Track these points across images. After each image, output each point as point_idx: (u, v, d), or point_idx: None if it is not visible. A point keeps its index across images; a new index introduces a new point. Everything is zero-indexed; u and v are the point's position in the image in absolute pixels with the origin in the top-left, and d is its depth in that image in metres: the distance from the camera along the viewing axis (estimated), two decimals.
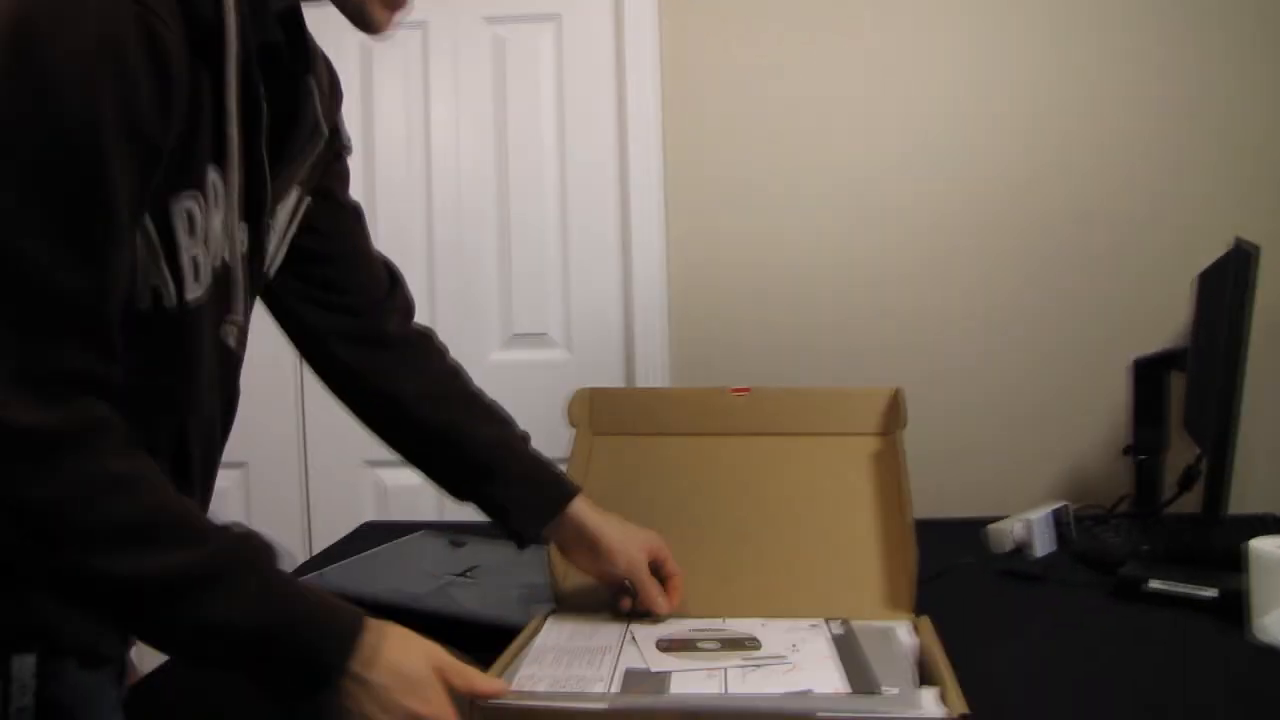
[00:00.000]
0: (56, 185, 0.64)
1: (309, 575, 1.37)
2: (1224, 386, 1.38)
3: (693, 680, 0.88)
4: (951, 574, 1.46)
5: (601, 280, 2.14)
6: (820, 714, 0.80)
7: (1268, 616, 1.12)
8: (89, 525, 0.66)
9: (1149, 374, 1.78)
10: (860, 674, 0.89)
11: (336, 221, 1.03)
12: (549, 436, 2.11)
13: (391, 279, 1.09)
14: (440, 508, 2.14)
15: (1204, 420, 1.48)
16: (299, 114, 0.88)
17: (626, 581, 1.05)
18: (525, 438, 1.11)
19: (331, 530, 2.13)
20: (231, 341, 0.84)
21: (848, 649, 0.95)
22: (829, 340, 2.03)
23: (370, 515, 2.16)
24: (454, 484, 1.09)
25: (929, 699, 0.84)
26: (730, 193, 2.08)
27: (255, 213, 0.83)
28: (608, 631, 1.03)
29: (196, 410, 0.82)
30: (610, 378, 2.10)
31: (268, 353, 2.18)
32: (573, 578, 1.14)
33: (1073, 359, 1.99)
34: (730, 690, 0.86)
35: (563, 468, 1.15)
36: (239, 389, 0.92)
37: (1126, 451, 1.80)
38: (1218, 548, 1.41)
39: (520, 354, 2.16)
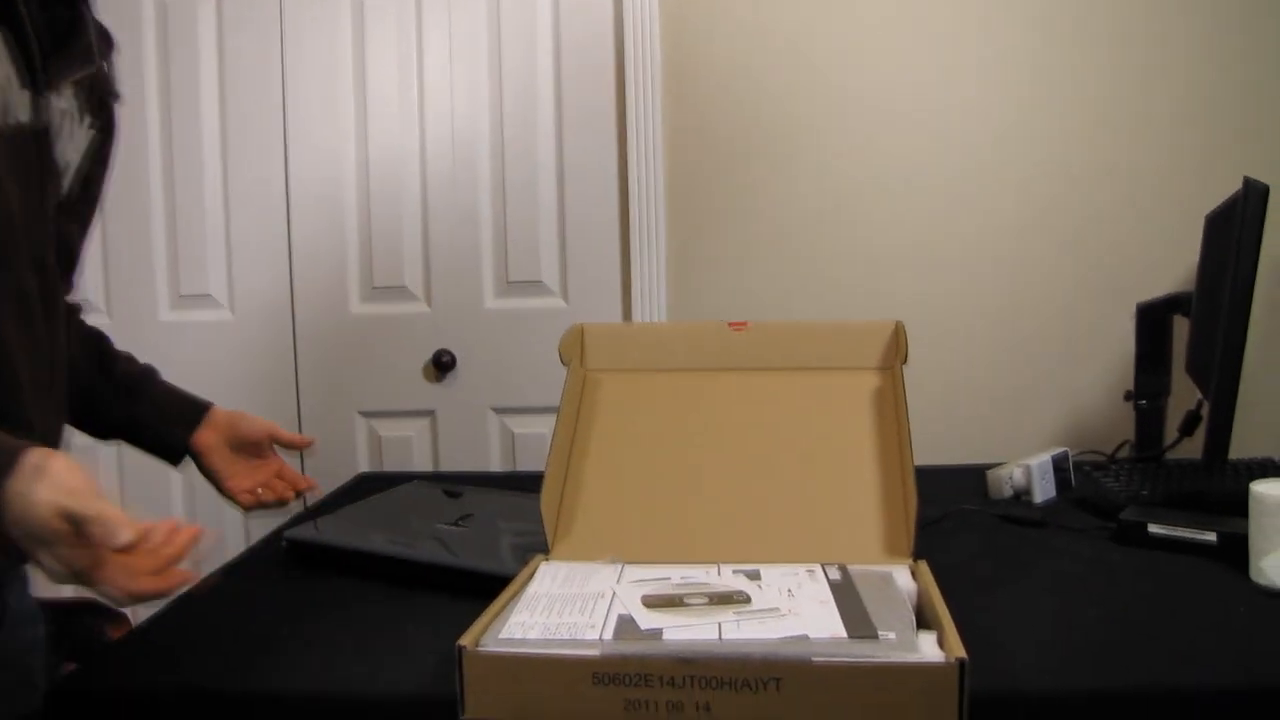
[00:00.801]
0: None
1: (302, 525, 1.35)
2: (1231, 328, 1.35)
3: (687, 633, 0.86)
4: (951, 519, 1.45)
5: (598, 227, 2.10)
6: (816, 658, 0.79)
7: (1267, 559, 1.11)
8: None
9: (1153, 319, 1.76)
10: (858, 620, 0.87)
11: (87, 217, 1.08)
12: (544, 386, 2.10)
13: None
14: (435, 459, 2.13)
15: (1208, 364, 1.46)
16: (73, 30, 0.95)
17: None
18: (153, 371, 1.23)
19: (325, 483, 2.11)
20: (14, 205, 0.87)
21: (845, 595, 0.94)
22: (830, 278, 2.00)
23: (364, 467, 2.15)
24: (101, 418, 1.17)
25: (927, 643, 0.83)
26: (731, 133, 2.04)
27: (31, 80, 0.87)
28: (600, 580, 1.01)
29: (7, 268, 0.85)
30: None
31: (262, 304, 2.16)
32: (566, 524, 1.12)
33: (1077, 304, 1.96)
34: (725, 638, 0.84)
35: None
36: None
37: (1128, 397, 1.78)
38: (1219, 492, 1.40)
39: (516, 302, 2.13)
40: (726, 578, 1.01)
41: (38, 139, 0.90)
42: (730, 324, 1.29)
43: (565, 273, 2.12)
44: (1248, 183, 1.35)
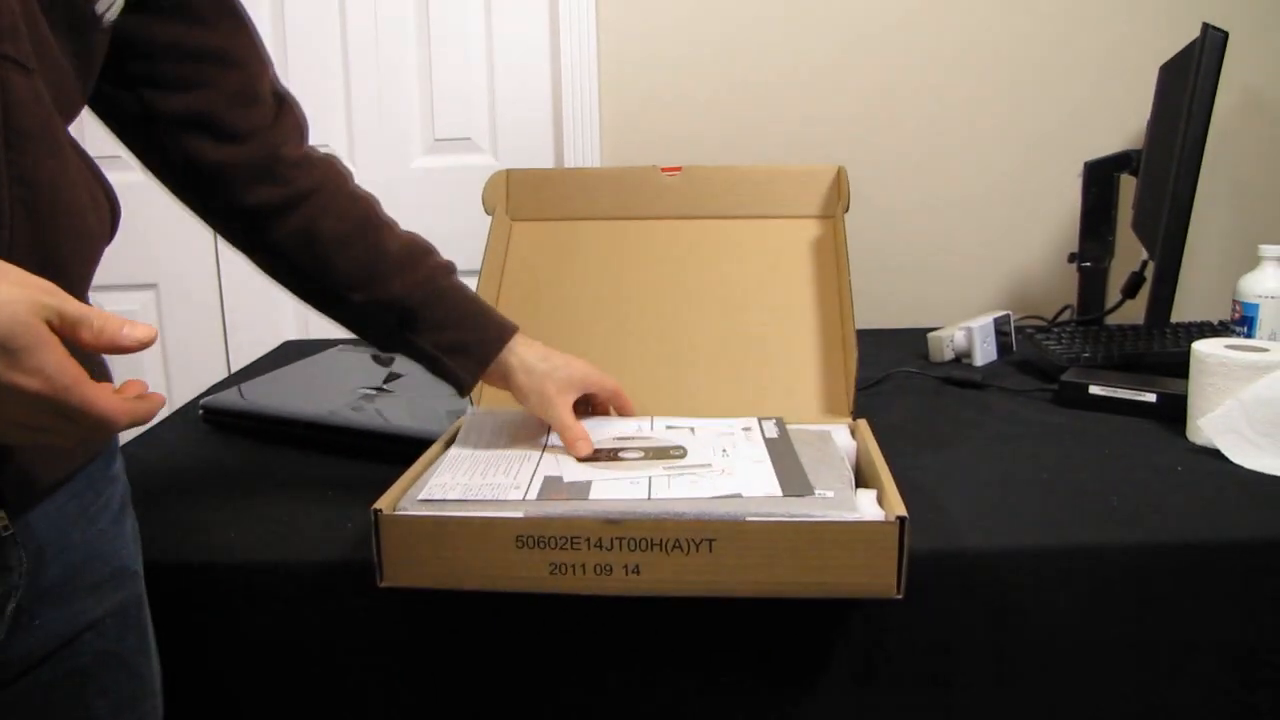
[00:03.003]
0: None
1: (226, 391, 1.29)
2: (1180, 184, 1.32)
3: (615, 488, 0.83)
4: (891, 381, 1.42)
5: (529, 80, 1.99)
6: (750, 518, 0.75)
7: (1204, 419, 1.10)
8: None
9: (1098, 176, 1.72)
10: (793, 477, 0.84)
11: (212, 9, 0.85)
12: (475, 246, 2.03)
13: (277, 96, 0.92)
14: None
15: (1154, 222, 1.43)
16: None
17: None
18: (450, 269, 0.99)
19: (250, 352, 2.03)
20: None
21: (781, 451, 0.91)
22: (771, 126, 1.92)
23: (291, 335, 2.07)
24: (379, 335, 0.97)
25: (866, 501, 0.80)
26: None
27: None
28: (526, 436, 0.97)
29: None
30: None
31: None
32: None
33: (1025, 163, 1.91)
34: (655, 496, 0.80)
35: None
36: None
37: (1071, 259, 1.76)
38: (1161, 354, 1.39)
39: (444, 159, 2.02)
40: (660, 432, 0.97)
41: None
42: (662, 169, 1.22)
43: (494, 127, 2.01)
44: (1206, 29, 1.30)
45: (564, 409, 0.95)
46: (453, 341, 0.96)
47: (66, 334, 0.56)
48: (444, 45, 1.98)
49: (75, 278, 0.69)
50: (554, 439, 0.96)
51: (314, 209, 0.91)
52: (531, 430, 0.98)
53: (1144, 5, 1.85)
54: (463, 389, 0.97)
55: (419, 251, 0.97)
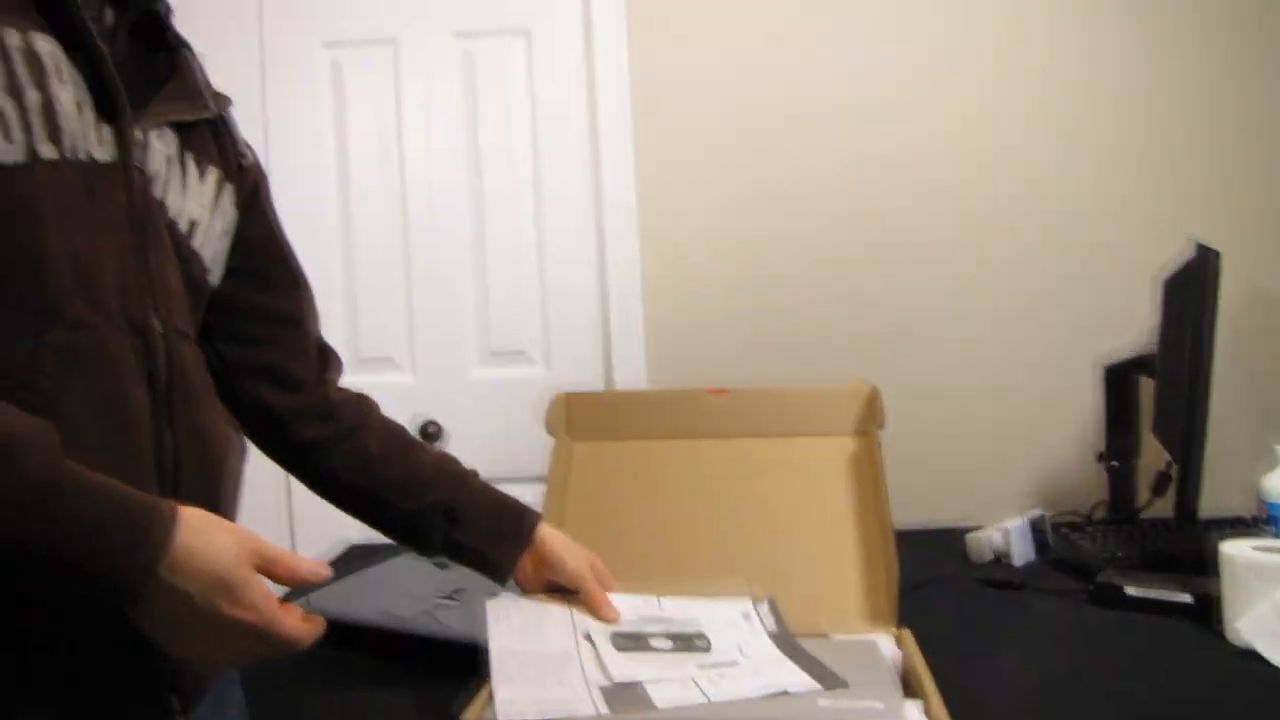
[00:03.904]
0: None
1: (298, 601, 1.36)
2: (1191, 392, 1.40)
3: (670, 690, 0.90)
4: (933, 584, 1.47)
5: (578, 294, 2.14)
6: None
7: (1241, 620, 1.14)
8: None
9: (1119, 379, 1.81)
10: (816, 667, 0.94)
11: (284, 280, 1.04)
12: (529, 453, 2.12)
13: (321, 348, 1.10)
14: None
15: (1173, 425, 1.50)
16: (174, 67, 0.88)
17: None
18: (475, 474, 1.14)
19: (313, 554, 2.10)
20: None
21: (787, 644, 1.00)
22: (805, 340, 2.04)
23: (354, 539, 2.15)
24: (427, 537, 1.09)
25: (914, 712, 0.85)
26: (703, 194, 2.09)
27: (112, 114, 0.78)
28: (555, 625, 1.03)
29: (54, 315, 0.72)
30: (589, 390, 2.10)
31: None
32: None
33: (1043, 362, 2.01)
34: (712, 699, 0.88)
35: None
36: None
37: (1100, 458, 1.82)
38: (1192, 552, 1.44)
39: (498, 371, 2.15)
40: (670, 610, 1.06)
41: (127, 180, 0.79)
42: (709, 390, 1.33)
43: (548, 341, 2.15)
44: (1200, 250, 1.40)
45: (591, 579, 1.06)
46: (493, 533, 1.08)
47: (265, 571, 0.70)
48: (499, 259, 2.14)
49: (228, 513, 0.81)
50: (577, 619, 1.02)
51: (361, 438, 1.07)
52: (555, 618, 1.04)
53: (1137, 216, 1.99)
54: (504, 575, 1.08)
55: (447, 461, 1.13)
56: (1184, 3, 2.02)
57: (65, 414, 0.69)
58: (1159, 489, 1.71)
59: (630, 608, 1.06)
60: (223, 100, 0.96)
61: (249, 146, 1.00)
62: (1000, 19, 2.06)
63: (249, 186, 0.98)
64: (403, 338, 2.17)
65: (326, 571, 0.74)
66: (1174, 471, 1.54)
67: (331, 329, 2.08)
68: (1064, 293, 2.01)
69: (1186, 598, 1.27)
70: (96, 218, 0.76)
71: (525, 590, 1.09)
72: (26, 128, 0.70)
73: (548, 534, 1.09)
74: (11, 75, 0.70)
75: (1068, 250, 2.01)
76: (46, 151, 0.72)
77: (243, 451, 0.91)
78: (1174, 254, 1.66)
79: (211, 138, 0.93)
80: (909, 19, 2.07)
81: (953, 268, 2.03)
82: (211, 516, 0.70)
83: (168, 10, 0.89)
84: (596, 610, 1.04)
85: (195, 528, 0.67)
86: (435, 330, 2.16)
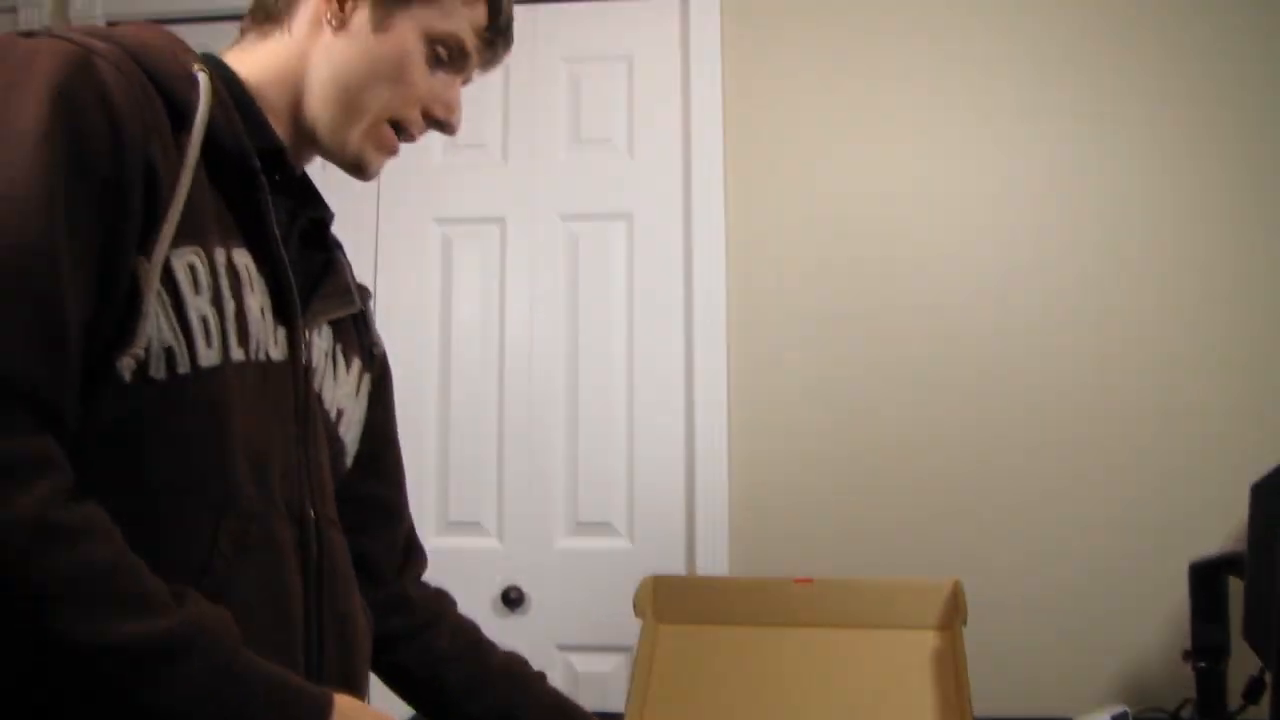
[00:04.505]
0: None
1: None
2: None
3: None
4: None
5: (665, 470, 2.21)
6: None
7: None
8: (15, 579, 0.62)
9: (1207, 578, 1.79)
10: None
11: (392, 470, 1.10)
12: (610, 624, 2.16)
13: (409, 542, 1.14)
14: None
15: (1264, 633, 1.49)
16: (328, 267, 0.97)
17: None
18: (542, 677, 1.15)
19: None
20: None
21: None
22: (891, 529, 2.07)
23: None
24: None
25: None
26: (795, 379, 2.16)
27: (286, 314, 0.86)
28: None
29: (232, 506, 0.78)
30: (671, 566, 2.14)
31: None
32: None
33: (1130, 556, 2.00)
34: None
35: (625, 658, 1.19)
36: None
37: (1186, 656, 1.79)
38: None
39: (584, 542, 2.21)
40: None
41: (295, 376, 0.87)
42: (795, 580, 1.37)
43: (633, 515, 2.21)
44: None
45: None
46: None
47: None
48: (590, 430, 2.23)
49: (362, 692, 0.87)
50: None
51: (432, 635, 1.10)
52: None
53: (1237, 412, 2.00)
54: None
55: (516, 664, 1.14)
56: None
57: (236, 598, 0.75)
58: (1252, 694, 1.67)
59: None
60: (364, 293, 1.06)
61: (380, 337, 1.09)
62: (1101, 208, 2.12)
63: (378, 375, 1.07)
64: (492, 504, 2.25)
65: None
66: (1268, 678, 1.51)
67: (424, 491, 2.22)
68: (1154, 489, 2.02)
69: None
70: (269, 412, 0.84)
71: None
72: (223, 334, 0.80)
73: None
74: (217, 290, 0.80)
75: (1158, 447, 2.03)
76: (237, 354, 0.81)
77: (372, 631, 0.97)
78: (1266, 453, 1.68)
79: (354, 329, 1.02)
80: (1009, 218, 2.16)
81: (1040, 464, 2.06)
82: (357, 702, 0.76)
83: (332, 217, 1.00)
84: None
85: (348, 714, 0.74)
86: (525, 498, 2.24)
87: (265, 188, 0.85)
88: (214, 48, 0.95)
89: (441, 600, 1.15)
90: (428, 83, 0.94)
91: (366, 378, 1.03)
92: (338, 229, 1.03)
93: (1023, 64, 2.19)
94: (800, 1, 2.28)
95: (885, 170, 2.20)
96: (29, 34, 0.75)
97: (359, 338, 1.03)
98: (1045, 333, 2.10)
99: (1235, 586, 1.80)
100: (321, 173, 1.00)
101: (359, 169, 0.95)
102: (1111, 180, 2.14)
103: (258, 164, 0.84)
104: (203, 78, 0.81)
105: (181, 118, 0.78)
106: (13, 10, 2.42)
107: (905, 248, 2.17)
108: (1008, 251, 2.14)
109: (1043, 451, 2.06)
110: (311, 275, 0.95)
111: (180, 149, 0.77)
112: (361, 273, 2.27)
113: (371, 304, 1.09)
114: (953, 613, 1.32)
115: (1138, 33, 2.16)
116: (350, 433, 0.99)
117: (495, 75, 2.33)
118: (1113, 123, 2.15)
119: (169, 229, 0.75)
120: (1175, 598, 1.95)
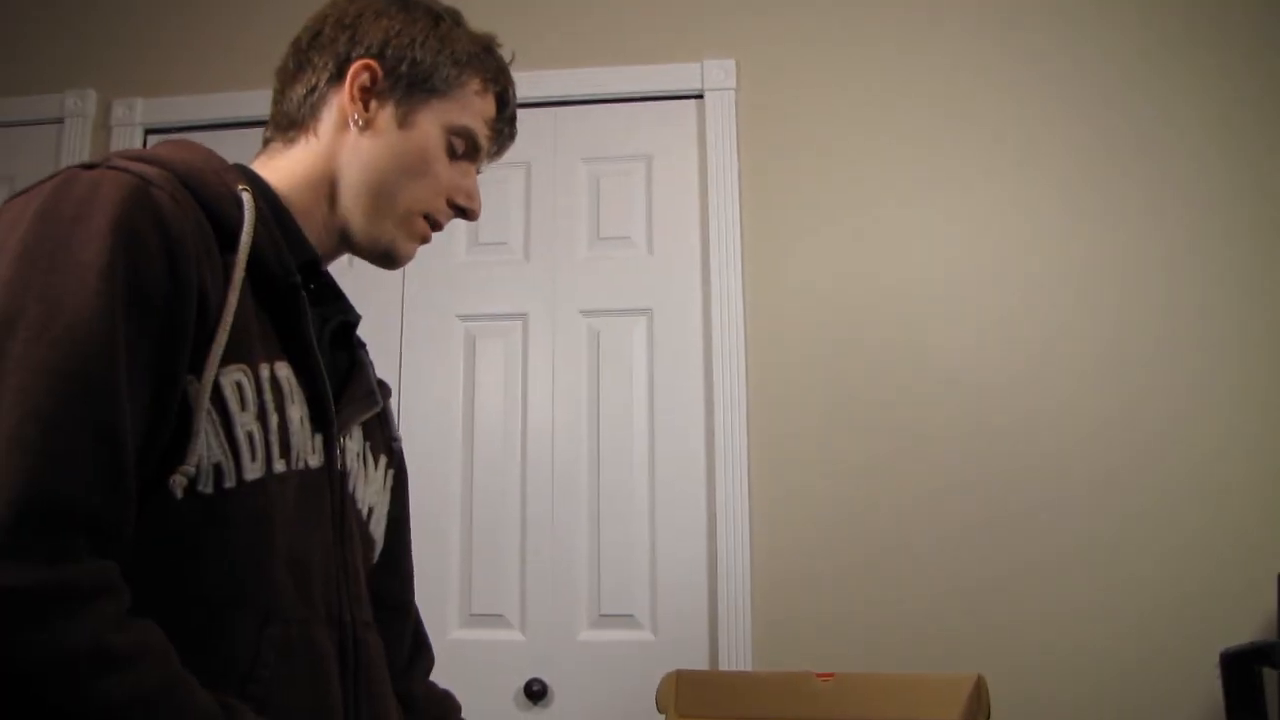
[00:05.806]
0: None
1: None
2: None
3: None
4: None
5: (688, 563, 2.20)
6: None
7: None
8: (71, 706, 0.64)
9: (1239, 667, 1.76)
10: None
11: (403, 566, 1.11)
12: (631, 716, 2.15)
13: (418, 638, 1.14)
14: None
15: None
16: (353, 368, 0.99)
17: None
18: None
19: None
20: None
21: None
22: (913, 623, 2.05)
23: None
24: None
25: None
26: (815, 475, 2.17)
27: (323, 420, 0.88)
28: None
29: (275, 614, 0.80)
30: (694, 658, 2.13)
31: None
32: None
33: (1158, 648, 1.97)
34: None
35: None
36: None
37: None
38: None
39: (607, 634, 2.20)
40: None
41: (331, 482, 0.89)
42: (817, 674, 1.37)
43: (655, 607, 2.20)
44: None
45: None
46: None
47: None
48: (612, 524, 2.23)
49: None
50: None
51: None
52: None
53: (1266, 501, 1.98)
54: None
55: None
56: None
57: (280, 704, 0.78)
58: None
59: None
60: (385, 389, 1.08)
61: (399, 431, 1.11)
62: (1114, 301, 2.14)
63: (396, 470, 1.08)
64: (515, 596, 2.25)
65: None
66: None
67: (447, 584, 2.23)
68: (1179, 579, 1.99)
69: None
70: (308, 519, 0.86)
71: None
72: (267, 446, 0.82)
73: None
74: (262, 405, 0.82)
75: (1182, 536, 2.01)
76: (279, 466, 0.83)
77: None
78: None
79: (378, 425, 1.05)
80: (1029, 303, 2.18)
81: (1065, 561, 2.04)
82: None
83: (358, 320, 1.03)
84: None
85: None
86: (548, 591, 2.23)
87: (306, 301, 0.88)
88: (244, 154, 1.00)
89: (447, 704, 1.14)
90: (449, 173, 0.98)
91: (390, 473, 1.05)
92: (363, 325, 1.06)
93: (1035, 151, 2.24)
94: (816, 95, 2.35)
95: (904, 255, 2.24)
96: (89, 166, 0.79)
97: (382, 433, 1.06)
98: (1075, 422, 2.10)
99: (1270, 678, 1.77)
100: (349, 270, 1.03)
101: (389, 259, 0.99)
102: (1141, 266, 2.15)
103: (299, 279, 0.88)
104: (246, 198, 0.85)
105: (228, 237, 0.82)
106: (59, 120, 2.53)
107: (926, 334, 2.19)
108: (1036, 334, 2.15)
109: (1069, 543, 2.05)
110: (338, 376, 0.97)
111: (227, 269, 0.81)
112: (386, 369, 2.32)
113: (391, 400, 1.11)
114: (975, 707, 1.31)
115: (1180, 126, 2.19)
116: (379, 528, 1.02)
117: (517, 175, 2.42)
118: (1136, 210, 2.17)
119: (218, 349, 0.78)
120: (1208, 690, 1.92)
